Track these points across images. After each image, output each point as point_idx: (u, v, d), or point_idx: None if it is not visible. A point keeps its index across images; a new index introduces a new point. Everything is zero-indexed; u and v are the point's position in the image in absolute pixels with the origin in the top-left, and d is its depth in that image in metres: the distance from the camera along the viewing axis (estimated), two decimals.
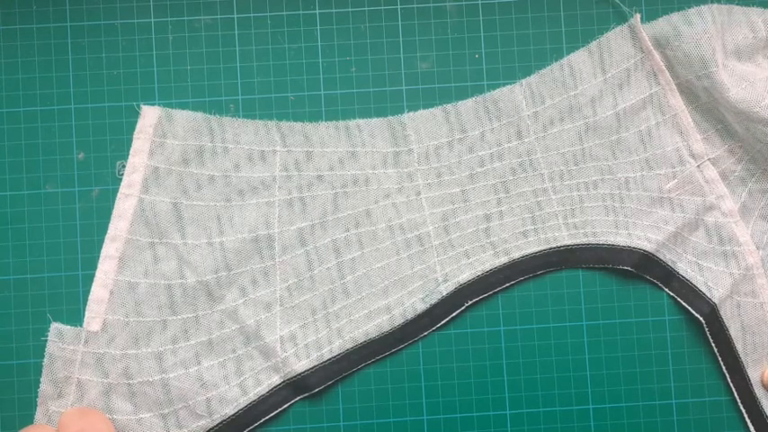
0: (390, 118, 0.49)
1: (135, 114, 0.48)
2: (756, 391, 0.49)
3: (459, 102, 0.49)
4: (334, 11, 0.49)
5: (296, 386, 0.47)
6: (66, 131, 0.48)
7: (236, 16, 0.49)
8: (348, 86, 0.49)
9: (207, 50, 0.49)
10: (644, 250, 0.48)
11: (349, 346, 0.48)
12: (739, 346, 0.48)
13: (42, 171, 0.48)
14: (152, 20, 0.49)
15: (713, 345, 0.48)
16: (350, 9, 0.50)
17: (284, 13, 0.49)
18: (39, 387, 0.46)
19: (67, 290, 0.48)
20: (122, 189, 0.47)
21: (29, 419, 0.46)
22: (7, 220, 0.48)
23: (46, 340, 0.46)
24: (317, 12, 0.49)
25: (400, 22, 0.50)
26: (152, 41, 0.49)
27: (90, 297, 0.46)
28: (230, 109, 0.49)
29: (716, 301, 0.48)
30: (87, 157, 0.48)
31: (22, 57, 0.48)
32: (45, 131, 0.48)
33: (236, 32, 0.49)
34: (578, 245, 0.49)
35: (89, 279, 0.47)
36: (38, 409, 0.46)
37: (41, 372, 0.46)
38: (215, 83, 0.49)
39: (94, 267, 0.47)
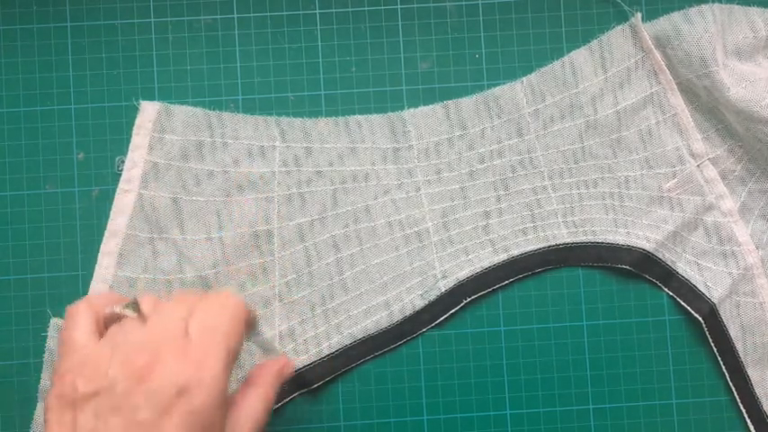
0: (390, 114, 0.49)
1: (135, 114, 0.48)
2: (756, 391, 0.48)
3: (460, 98, 0.49)
4: (334, 11, 0.50)
5: (295, 382, 0.47)
6: (66, 131, 0.48)
7: (236, 16, 0.49)
8: (348, 86, 0.49)
9: (207, 50, 0.49)
10: (643, 249, 0.48)
11: (348, 341, 0.47)
12: (739, 346, 0.48)
13: (42, 171, 0.48)
14: (152, 20, 0.49)
15: (713, 345, 0.48)
16: (350, 9, 0.50)
17: (284, 13, 0.49)
18: (38, 384, 0.46)
19: (67, 290, 0.47)
20: (122, 184, 0.47)
21: (29, 419, 0.46)
22: (7, 220, 0.48)
23: (46, 339, 0.46)
24: (317, 12, 0.50)
25: (400, 22, 0.50)
26: (152, 41, 0.49)
27: (89, 292, 0.46)
28: (230, 108, 0.49)
29: (715, 300, 0.48)
30: (87, 157, 0.48)
31: (22, 57, 0.48)
32: (45, 131, 0.48)
33: (236, 32, 0.49)
34: (578, 243, 0.49)
35: (89, 279, 0.47)
36: (38, 404, 0.46)
37: (41, 370, 0.46)
38: (215, 83, 0.49)
39: (94, 267, 0.47)
